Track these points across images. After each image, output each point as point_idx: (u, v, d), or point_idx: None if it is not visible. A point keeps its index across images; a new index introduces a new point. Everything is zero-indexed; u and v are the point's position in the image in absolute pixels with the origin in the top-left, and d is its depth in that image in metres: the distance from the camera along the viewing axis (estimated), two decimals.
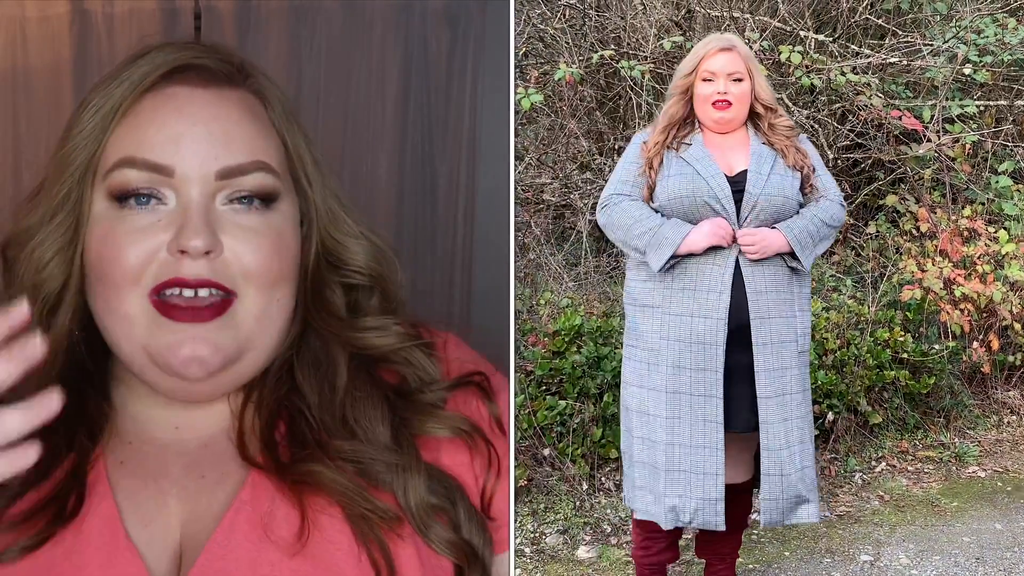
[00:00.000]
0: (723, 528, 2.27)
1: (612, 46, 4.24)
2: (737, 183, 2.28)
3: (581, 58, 4.17)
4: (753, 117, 2.37)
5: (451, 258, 2.26)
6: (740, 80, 2.32)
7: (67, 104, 2.19)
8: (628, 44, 4.31)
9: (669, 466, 2.26)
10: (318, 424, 1.35)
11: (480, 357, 1.51)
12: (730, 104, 2.31)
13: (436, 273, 2.24)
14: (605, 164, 4.11)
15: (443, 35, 2.27)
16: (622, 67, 3.96)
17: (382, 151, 2.27)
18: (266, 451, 1.32)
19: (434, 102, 2.27)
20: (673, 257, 2.24)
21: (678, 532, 2.45)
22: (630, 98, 4.16)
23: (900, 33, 4.51)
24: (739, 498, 2.39)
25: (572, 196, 4.08)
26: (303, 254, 1.41)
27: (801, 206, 2.34)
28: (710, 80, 2.33)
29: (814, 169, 2.37)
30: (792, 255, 2.28)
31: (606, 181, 2.48)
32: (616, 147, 4.20)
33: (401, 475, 1.32)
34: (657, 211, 2.31)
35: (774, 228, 2.27)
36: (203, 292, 1.29)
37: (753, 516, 2.68)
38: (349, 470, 1.30)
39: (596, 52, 4.09)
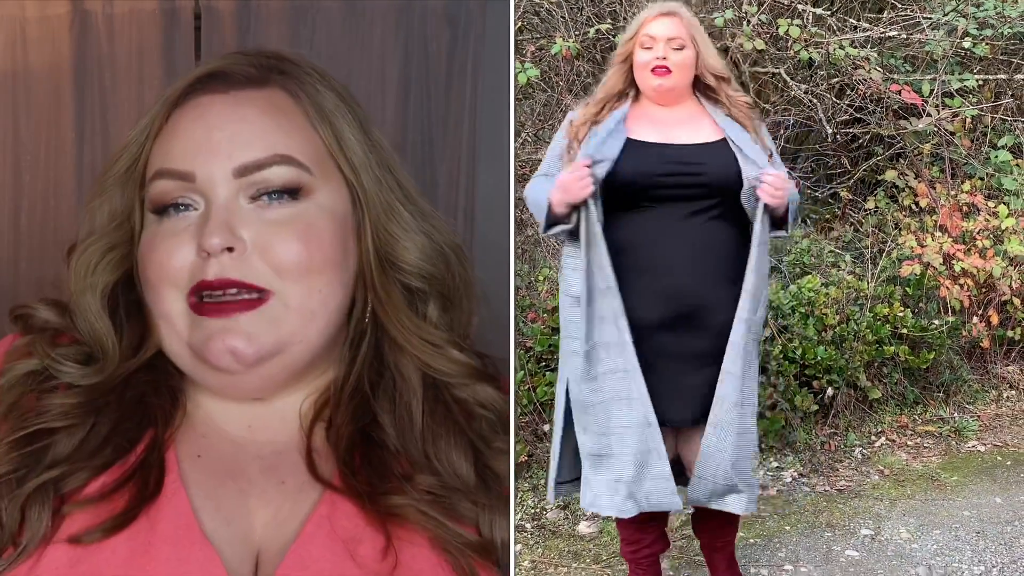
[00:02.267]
0: (679, 508, 2.18)
1: (608, 20, 4.19)
2: (685, 155, 2.14)
3: (577, 32, 4.13)
4: (705, 90, 2.25)
5: None
6: (682, 48, 2.19)
7: (67, 104, 2.22)
8: (624, 18, 4.26)
9: (609, 451, 2.14)
10: (399, 454, 1.38)
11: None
12: (669, 71, 2.18)
13: None
14: None
15: (443, 35, 2.27)
16: (618, 41, 3.92)
17: None
18: (343, 477, 1.35)
19: (434, 102, 2.28)
20: (558, 222, 2.10)
21: (664, 520, 2.39)
22: None
23: (899, 6, 4.47)
24: None
25: None
26: (358, 244, 1.43)
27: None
28: (649, 47, 2.20)
29: (772, 154, 2.25)
30: (777, 223, 2.17)
31: None
32: None
33: (488, 513, 1.36)
34: None
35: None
36: (231, 291, 1.33)
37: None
38: (432, 502, 1.33)
39: (592, 26, 4.06)
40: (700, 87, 2.25)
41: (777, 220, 2.18)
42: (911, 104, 4.09)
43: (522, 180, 3.99)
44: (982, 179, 4.21)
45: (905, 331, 3.72)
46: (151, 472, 1.31)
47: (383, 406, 1.40)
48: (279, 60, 1.47)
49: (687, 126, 2.21)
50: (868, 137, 4.47)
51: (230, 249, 1.32)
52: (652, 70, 2.19)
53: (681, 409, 2.18)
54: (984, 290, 3.93)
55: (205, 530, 1.28)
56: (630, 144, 2.15)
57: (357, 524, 1.30)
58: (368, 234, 1.42)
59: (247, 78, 1.42)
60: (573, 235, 2.14)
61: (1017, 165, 4.23)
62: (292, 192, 1.36)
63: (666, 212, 2.13)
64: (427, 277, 1.44)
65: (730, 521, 2.37)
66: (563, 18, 4.18)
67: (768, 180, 2.09)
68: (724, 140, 2.18)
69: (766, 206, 2.12)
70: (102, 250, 1.42)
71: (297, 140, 1.39)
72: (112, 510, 1.27)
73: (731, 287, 2.15)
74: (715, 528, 2.40)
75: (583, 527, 2.94)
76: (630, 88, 2.25)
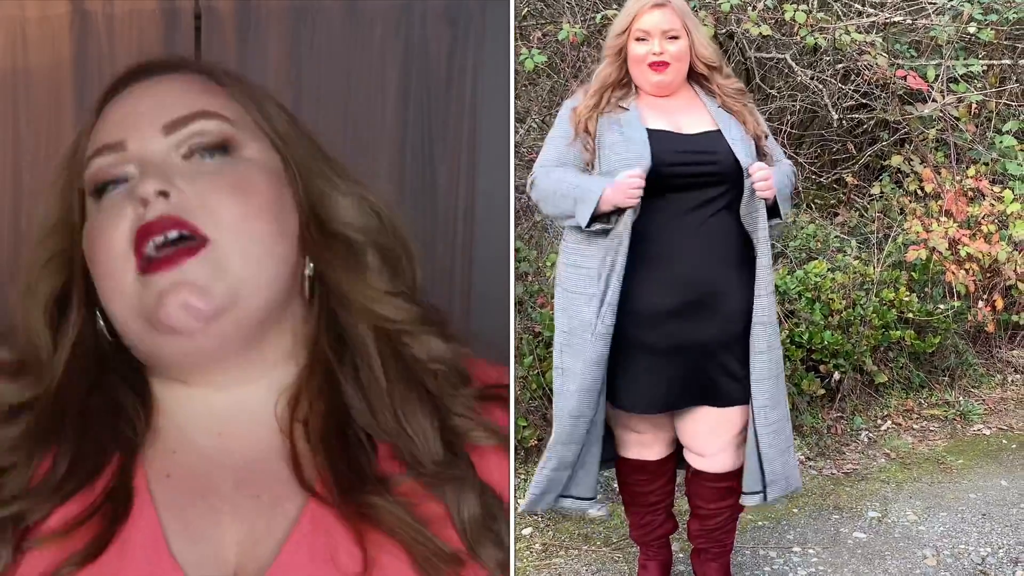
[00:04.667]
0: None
1: (614, 6, 4.19)
2: (697, 144, 2.14)
3: (584, 18, 4.13)
4: (697, 78, 2.23)
5: (451, 258, 2.26)
6: (676, 38, 2.16)
7: (67, 104, 2.22)
8: None
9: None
10: (378, 449, 1.38)
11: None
12: (667, 65, 2.15)
13: (436, 273, 2.22)
14: None
15: (443, 35, 2.27)
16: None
17: (382, 151, 2.26)
18: (322, 478, 1.33)
19: (434, 102, 2.28)
20: (602, 217, 2.07)
21: (671, 500, 2.41)
22: None
23: None
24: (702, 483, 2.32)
25: None
26: (296, 203, 1.45)
27: None
28: (644, 40, 2.15)
29: (766, 135, 2.25)
30: (772, 210, 2.17)
31: None
32: None
33: (457, 488, 1.35)
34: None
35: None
36: (172, 235, 1.33)
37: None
38: (407, 505, 1.32)
39: (599, 12, 4.06)
40: (692, 75, 2.23)
41: (770, 208, 2.18)
42: (916, 89, 4.09)
43: (528, 167, 4.00)
44: (987, 164, 4.21)
45: (911, 316, 3.73)
46: (119, 499, 1.28)
47: (349, 381, 1.41)
48: (201, 62, 1.57)
49: (689, 114, 2.20)
50: (873, 122, 4.47)
51: (165, 194, 1.33)
52: (650, 65, 2.16)
53: (686, 396, 2.21)
54: (989, 275, 3.94)
55: (173, 552, 1.25)
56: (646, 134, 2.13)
57: (333, 533, 1.28)
58: (300, 191, 1.46)
59: (170, 64, 1.50)
60: (580, 230, 2.14)
61: (1022, 150, 4.23)
62: (223, 149, 1.41)
63: (677, 201, 2.12)
64: (362, 228, 1.47)
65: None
66: (569, 4, 4.18)
67: (753, 175, 2.09)
68: (720, 131, 2.16)
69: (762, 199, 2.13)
70: (48, 253, 1.44)
71: (221, 102, 1.45)
72: (81, 541, 1.24)
73: (738, 274, 2.17)
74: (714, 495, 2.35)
75: (593, 510, 2.96)
76: (626, 78, 2.21)
